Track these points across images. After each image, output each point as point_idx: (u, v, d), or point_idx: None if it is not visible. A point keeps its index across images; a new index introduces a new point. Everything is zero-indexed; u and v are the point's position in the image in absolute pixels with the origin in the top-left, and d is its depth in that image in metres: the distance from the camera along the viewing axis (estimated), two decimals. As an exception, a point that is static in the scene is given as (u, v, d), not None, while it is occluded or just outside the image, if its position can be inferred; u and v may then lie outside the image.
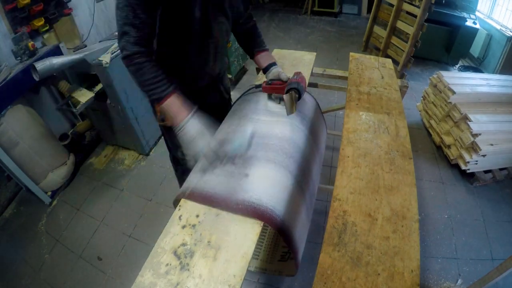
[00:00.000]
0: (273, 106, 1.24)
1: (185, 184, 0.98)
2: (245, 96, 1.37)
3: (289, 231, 0.91)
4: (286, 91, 1.07)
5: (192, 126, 0.94)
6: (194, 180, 0.98)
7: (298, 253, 1.01)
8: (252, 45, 1.29)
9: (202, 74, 1.20)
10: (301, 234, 1.05)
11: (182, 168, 1.49)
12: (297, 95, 1.06)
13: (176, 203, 0.94)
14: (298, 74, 1.13)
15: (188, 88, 1.11)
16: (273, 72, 1.21)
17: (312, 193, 1.21)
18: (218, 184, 0.92)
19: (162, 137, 2.70)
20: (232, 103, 1.50)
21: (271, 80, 1.19)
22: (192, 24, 0.99)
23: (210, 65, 1.19)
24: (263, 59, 1.27)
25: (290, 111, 1.07)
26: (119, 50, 1.98)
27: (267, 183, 0.93)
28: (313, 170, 1.22)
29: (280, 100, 1.21)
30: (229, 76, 3.19)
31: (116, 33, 0.93)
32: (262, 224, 0.84)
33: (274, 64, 1.24)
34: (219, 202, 0.88)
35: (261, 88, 1.24)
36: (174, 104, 0.95)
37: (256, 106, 1.25)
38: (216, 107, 1.39)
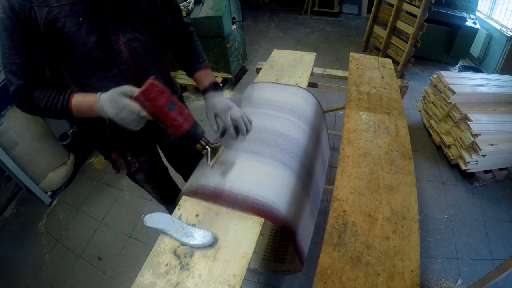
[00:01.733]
0: (277, 98, 1.24)
1: (188, 182, 0.99)
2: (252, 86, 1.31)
3: (293, 228, 0.91)
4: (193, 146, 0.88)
5: (105, 103, 0.79)
6: (195, 177, 0.99)
7: (302, 250, 1.01)
8: (188, 62, 1.09)
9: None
10: (305, 231, 1.05)
11: (137, 182, 1.36)
12: (208, 142, 0.88)
13: (177, 202, 0.94)
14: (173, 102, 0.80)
15: (132, 134, 0.91)
16: (208, 103, 1.02)
17: (316, 191, 1.21)
18: (219, 181, 0.92)
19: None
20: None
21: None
22: (87, 52, 0.79)
23: None
24: (200, 79, 1.07)
25: (211, 162, 0.91)
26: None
27: (268, 180, 0.93)
28: (316, 169, 1.22)
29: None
30: (229, 76, 3.19)
31: None
32: (262, 223, 0.84)
33: (217, 86, 1.05)
34: (220, 199, 0.88)
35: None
36: (80, 102, 0.82)
37: (260, 98, 1.25)
38: (176, 147, 1.28)
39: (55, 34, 0.75)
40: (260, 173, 0.94)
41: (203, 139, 0.88)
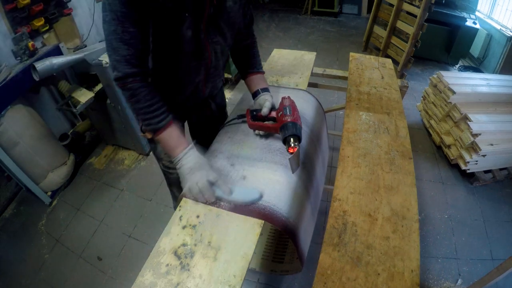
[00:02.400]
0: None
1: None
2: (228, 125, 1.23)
3: (294, 229, 0.91)
4: (284, 139, 0.91)
5: (189, 159, 0.86)
6: None
7: (303, 250, 1.01)
8: (246, 65, 1.16)
9: (189, 95, 1.07)
10: (306, 232, 1.05)
11: (168, 181, 1.41)
12: (298, 144, 0.90)
13: (179, 202, 0.94)
14: (288, 105, 0.95)
15: (173, 106, 1.00)
16: (260, 99, 1.06)
17: (316, 192, 1.21)
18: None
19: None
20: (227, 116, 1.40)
21: (257, 110, 1.04)
22: (181, 43, 0.86)
23: (199, 87, 1.06)
24: (254, 82, 1.12)
25: (294, 169, 0.92)
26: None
27: (269, 181, 0.93)
28: (317, 169, 1.22)
29: (265, 136, 1.07)
30: (229, 76, 3.18)
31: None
32: (262, 225, 0.84)
33: (266, 90, 1.09)
34: (215, 204, 0.88)
35: (245, 120, 1.09)
36: (171, 137, 0.88)
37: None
38: (204, 125, 1.32)
39: (161, 17, 0.79)
40: (260, 177, 0.94)
41: (299, 139, 0.92)
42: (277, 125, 0.96)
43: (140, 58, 0.82)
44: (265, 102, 1.01)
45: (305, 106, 1.30)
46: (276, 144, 1.05)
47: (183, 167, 0.87)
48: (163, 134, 0.88)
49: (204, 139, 1.24)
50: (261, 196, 0.86)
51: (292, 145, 0.89)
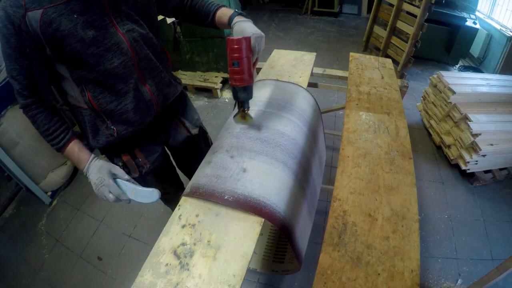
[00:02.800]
0: (278, 97, 1.24)
1: (190, 182, 0.99)
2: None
3: (290, 228, 0.91)
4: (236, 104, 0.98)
5: (92, 174, 0.90)
6: (197, 177, 0.99)
7: (300, 250, 1.01)
8: (204, 12, 1.05)
9: (136, 105, 0.96)
10: (303, 231, 1.05)
11: (164, 201, 1.46)
12: (245, 106, 0.95)
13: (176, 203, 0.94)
14: (236, 59, 0.87)
15: (134, 129, 1.00)
16: (236, 29, 0.96)
17: (313, 191, 1.21)
18: (217, 179, 0.92)
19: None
20: (207, 134, 1.39)
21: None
22: (85, 48, 0.80)
23: (140, 91, 0.96)
24: (221, 16, 1.02)
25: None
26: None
27: (268, 179, 0.93)
28: (313, 169, 1.22)
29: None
30: (226, 75, 3.19)
31: None
32: (262, 223, 0.84)
33: (236, 13, 1.00)
34: (217, 197, 0.87)
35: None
36: (72, 153, 0.92)
37: (262, 95, 1.24)
38: (186, 149, 1.28)
39: (52, 34, 0.76)
40: (262, 172, 0.94)
41: (247, 102, 0.96)
42: (239, 79, 0.89)
43: (31, 88, 0.85)
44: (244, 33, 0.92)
45: (304, 104, 1.29)
46: (276, 138, 1.05)
47: (91, 182, 0.90)
48: (66, 152, 0.92)
49: (190, 165, 1.22)
50: (160, 197, 0.89)
51: (242, 110, 0.96)
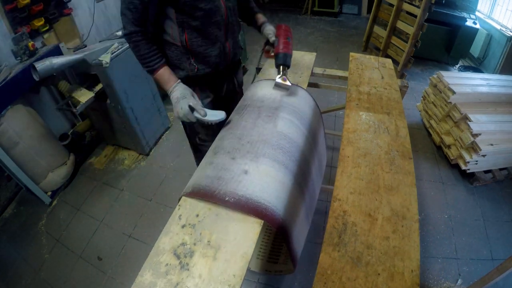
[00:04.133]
0: (278, 98, 1.24)
1: (189, 182, 0.99)
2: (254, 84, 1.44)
3: (288, 231, 0.91)
4: (276, 65, 1.25)
5: (177, 91, 1.13)
6: (195, 177, 0.99)
7: (296, 252, 1.01)
8: (248, 12, 1.44)
9: (218, 53, 1.26)
10: (299, 234, 1.04)
11: (200, 154, 1.54)
12: (286, 69, 1.25)
13: (179, 200, 0.94)
14: (279, 35, 1.28)
15: (210, 70, 1.27)
16: (264, 31, 1.36)
17: (312, 193, 1.21)
18: (218, 181, 0.92)
19: (163, 137, 2.71)
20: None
21: (266, 42, 1.36)
22: (198, 2, 1.08)
23: (224, 44, 1.26)
24: (256, 20, 1.43)
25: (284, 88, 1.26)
26: (119, 50, 2.00)
27: (267, 181, 0.93)
28: (313, 172, 1.22)
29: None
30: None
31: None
32: (262, 224, 0.84)
33: (264, 23, 1.39)
34: (219, 199, 0.87)
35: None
36: (164, 75, 1.15)
37: (263, 96, 1.26)
38: (228, 99, 1.50)
39: None
40: (263, 175, 0.94)
41: (287, 68, 1.26)
42: (274, 54, 1.28)
43: (141, 21, 1.08)
44: (269, 35, 1.32)
45: (304, 105, 1.29)
46: (277, 139, 1.05)
47: (173, 97, 1.14)
48: (158, 73, 1.15)
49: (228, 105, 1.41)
50: (225, 116, 1.14)
51: (282, 73, 1.24)
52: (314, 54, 1.77)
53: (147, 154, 2.54)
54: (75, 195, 2.25)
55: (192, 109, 1.10)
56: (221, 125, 1.22)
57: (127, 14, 1.06)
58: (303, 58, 1.72)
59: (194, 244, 0.80)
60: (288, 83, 1.24)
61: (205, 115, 1.11)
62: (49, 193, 2.19)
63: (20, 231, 2.06)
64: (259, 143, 1.02)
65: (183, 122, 1.47)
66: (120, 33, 2.18)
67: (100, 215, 2.08)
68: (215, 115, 1.13)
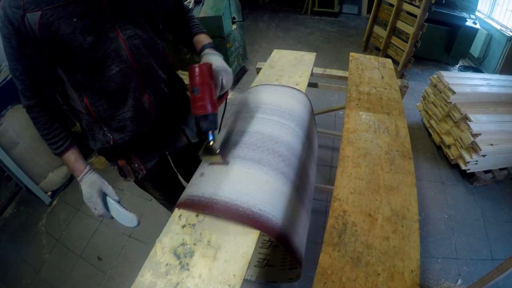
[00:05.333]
0: (274, 102, 1.23)
1: (182, 195, 0.95)
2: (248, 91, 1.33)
3: (288, 239, 0.88)
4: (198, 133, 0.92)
5: (83, 187, 0.95)
6: (190, 187, 0.95)
7: (300, 258, 0.99)
8: (187, 34, 1.06)
9: (134, 115, 0.93)
10: (301, 239, 1.03)
11: (164, 206, 1.46)
12: (210, 134, 0.88)
13: (172, 211, 0.92)
14: (197, 84, 0.84)
15: (130, 138, 0.98)
16: (203, 59, 0.96)
17: (309, 197, 1.19)
18: (214, 191, 0.88)
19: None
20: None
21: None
22: (82, 52, 0.77)
23: (139, 100, 0.92)
24: (196, 43, 1.05)
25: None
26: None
27: (265, 189, 0.90)
28: (310, 174, 1.21)
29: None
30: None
31: None
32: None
33: (208, 45, 1.02)
34: (215, 210, 0.84)
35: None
36: (68, 162, 0.95)
37: (258, 101, 1.22)
38: (183, 154, 1.22)
39: (50, 38, 0.73)
40: (260, 183, 0.90)
41: (213, 133, 0.90)
42: (200, 106, 0.85)
43: (34, 90, 0.83)
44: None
45: (301, 107, 1.27)
46: (273, 146, 1.03)
47: (82, 186, 0.97)
48: (63, 159, 0.95)
49: (190, 171, 1.13)
50: (138, 224, 0.94)
51: (211, 144, 0.89)
52: (314, 54, 1.77)
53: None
54: (75, 195, 2.25)
55: (102, 207, 0.96)
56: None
57: (17, 84, 0.81)
58: (303, 58, 1.72)
59: (194, 244, 0.80)
60: (216, 154, 0.91)
61: (112, 218, 0.99)
62: (49, 193, 2.19)
63: (20, 231, 2.06)
64: (256, 150, 0.99)
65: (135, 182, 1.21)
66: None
67: (100, 215, 2.08)
68: (125, 220, 0.96)
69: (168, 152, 1.24)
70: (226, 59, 3.05)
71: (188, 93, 0.92)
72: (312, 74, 1.74)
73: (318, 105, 2.92)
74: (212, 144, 0.90)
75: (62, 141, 0.92)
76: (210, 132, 0.89)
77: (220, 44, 2.92)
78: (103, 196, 0.96)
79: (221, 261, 0.75)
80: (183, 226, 0.84)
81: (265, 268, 1.28)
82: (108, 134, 0.97)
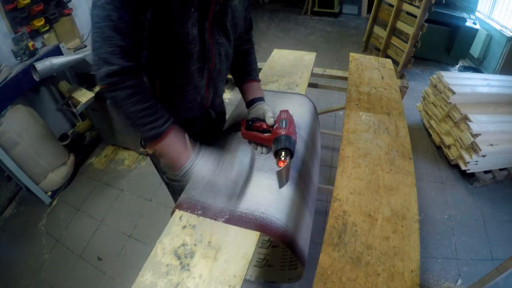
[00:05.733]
0: (276, 107, 1.21)
1: (183, 195, 0.95)
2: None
3: (293, 241, 0.88)
4: (275, 152, 0.88)
5: (199, 171, 0.78)
6: (191, 189, 0.94)
7: (304, 260, 0.99)
8: (242, 72, 1.11)
9: (190, 103, 0.98)
10: (305, 240, 1.03)
11: (172, 190, 1.39)
12: (290, 159, 0.86)
13: (172, 214, 0.90)
14: (285, 118, 0.92)
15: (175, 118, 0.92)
16: (257, 108, 1.02)
17: (313, 198, 1.19)
18: (216, 194, 0.87)
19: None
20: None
21: (252, 119, 1.00)
22: (185, 42, 0.78)
23: (201, 93, 0.96)
24: (250, 90, 1.08)
25: (282, 184, 0.88)
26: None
27: (269, 193, 0.90)
28: (313, 175, 1.21)
29: (261, 149, 1.00)
30: (229, 76, 3.18)
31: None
32: (262, 224, 0.84)
33: (260, 99, 1.06)
34: (217, 214, 0.84)
35: (239, 131, 1.04)
36: (175, 142, 0.78)
37: None
38: (203, 134, 1.17)
39: (166, 12, 0.70)
40: (264, 188, 0.90)
41: (291, 153, 0.88)
42: (271, 137, 0.91)
43: (137, 51, 0.71)
44: (267, 112, 0.97)
45: (302, 111, 1.27)
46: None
47: (193, 179, 0.80)
48: (167, 139, 0.77)
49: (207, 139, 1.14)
50: None
51: (283, 158, 0.85)
52: (314, 54, 1.77)
53: (147, 155, 2.54)
54: (75, 195, 2.25)
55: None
56: None
57: (114, 38, 0.65)
58: (303, 58, 1.72)
59: (195, 244, 0.80)
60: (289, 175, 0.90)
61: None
62: (49, 193, 2.19)
63: (20, 231, 2.06)
64: (261, 159, 0.98)
65: (151, 157, 1.17)
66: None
67: (100, 215, 2.08)
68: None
69: (193, 131, 1.22)
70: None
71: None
72: (312, 74, 1.74)
73: (318, 105, 2.91)
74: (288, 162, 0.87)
75: (168, 115, 0.78)
76: (291, 153, 0.88)
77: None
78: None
79: (222, 261, 0.75)
80: (184, 227, 0.84)
81: (264, 268, 1.27)
82: None
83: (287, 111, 0.97)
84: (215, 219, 0.84)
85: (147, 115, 0.73)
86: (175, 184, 1.21)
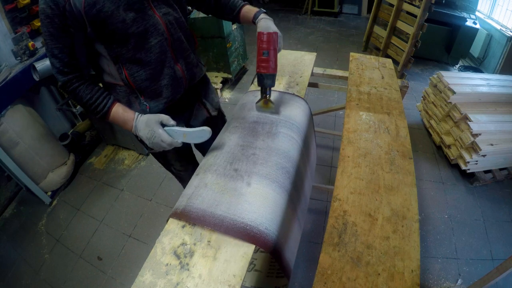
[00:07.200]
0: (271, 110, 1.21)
1: (177, 203, 0.93)
2: (245, 97, 1.32)
3: (281, 252, 0.87)
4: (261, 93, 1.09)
5: (141, 131, 0.94)
6: (185, 198, 0.92)
7: (289, 271, 0.97)
8: (230, 8, 1.17)
9: (166, 80, 1.04)
10: (292, 253, 1.02)
11: (181, 180, 1.47)
12: (268, 90, 1.08)
13: (167, 221, 0.89)
14: (266, 49, 1.00)
15: (165, 105, 1.07)
16: (261, 24, 1.08)
17: (303, 208, 1.17)
18: (210, 203, 0.87)
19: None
20: (225, 118, 1.44)
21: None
22: (126, 28, 0.88)
23: (173, 69, 1.04)
24: (246, 13, 1.15)
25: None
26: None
27: (261, 202, 0.88)
28: (305, 184, 1.19)
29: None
30: (229, 76, 3.19)
31: None
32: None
33: (260, 12, 1.12)
34: (210, 224, 0.83)
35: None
36: (117, 115, 0.97)
37: (253, 109, 1.21)
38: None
39: (95, 15, 0.83)
40: (258, 196, 0.89)
41: (270, 89, 1.08)
42: (266, 67, 1.01)
43: (72, 66, 0.90)
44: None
45: (301, 115, 1.26)
46: (274, 158, 1.01)
47: (141, 137, 0.96)
48: (111, 116, 0.97)
49: (206, 144, 1.17)
50: (210, 135, 0.95)
51: (268, 97, 1.08)
52: (314, 54, 1.77)
53: (147, 154, 2.54)
54: (75, 195, 2.26)
55: (168, 137, 0.93)
56: (204, 146, 1.10)
57: (54, 63, 0.88)
58: (303, 58, 1.72)
59: (194, 244, 0.80)
60: (271, 106, 1.13)
61: (182, 144, 0.96)
62: (49, 193, 2.19)
63: (20, 231, 2.06)
64: (255, 164, 0.97)
65: (155, 155, 1.30)
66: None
67: (100, 215, 2.08)
68: (197, 137, 0.95)
69: (189, 125, 1.31)
70: (226, 59, 3.05)
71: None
72: (312, 74, 1.74)
73: (318, 105, 2.93)
74: (269, 98, 1.10)
75: (106, 99, 0.96)
76: (269, 89, 1.08)
77: (220, 44, 2.92)
78: (163, 128, 0.95)
79: (221, 261, 0.75)
80: (183, 226, 0.84)
81: (252, 273, 1.25)
82: (145, 103, 1.04)
83: (260, 35, 1.02)
84: (212, 228, 0.82)
85: (89, 105, 0.94)
86: (182, 174, 1.39)
